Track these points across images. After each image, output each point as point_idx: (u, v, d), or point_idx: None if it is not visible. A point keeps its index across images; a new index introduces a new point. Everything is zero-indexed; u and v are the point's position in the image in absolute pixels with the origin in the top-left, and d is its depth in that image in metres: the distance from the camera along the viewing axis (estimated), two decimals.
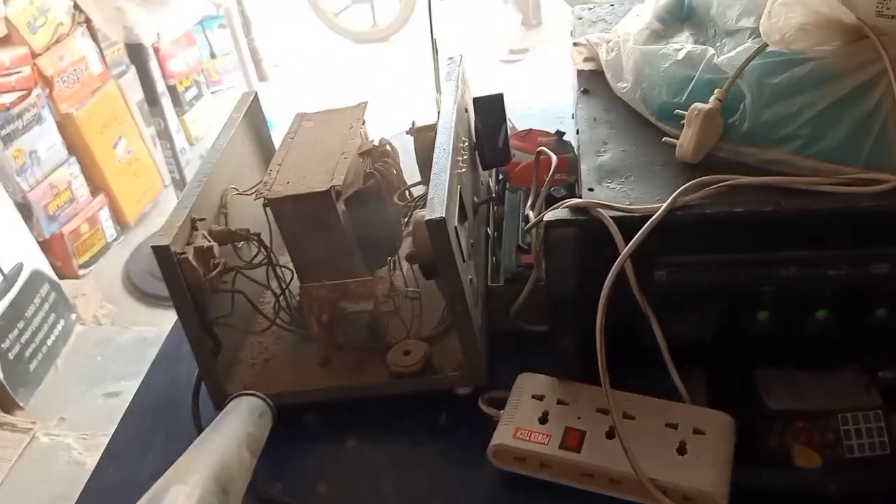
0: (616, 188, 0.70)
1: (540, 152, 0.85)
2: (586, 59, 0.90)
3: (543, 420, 0.70)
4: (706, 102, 0.69)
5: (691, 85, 0.72)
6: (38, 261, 2.27)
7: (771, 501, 0.70)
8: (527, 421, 0.71)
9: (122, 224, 2.74)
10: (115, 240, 2.70)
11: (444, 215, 0.67)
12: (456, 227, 0.71)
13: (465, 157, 0.82)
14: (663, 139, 0.73)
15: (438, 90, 1.06)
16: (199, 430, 0.76)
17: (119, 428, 0.87)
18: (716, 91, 0.69)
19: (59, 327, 2.27)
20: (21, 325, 2.13)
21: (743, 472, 0.67)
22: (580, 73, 0.89)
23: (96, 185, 2.65)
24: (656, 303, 0.68)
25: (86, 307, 2.40)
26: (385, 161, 0.91)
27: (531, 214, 0.80)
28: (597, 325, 0.65)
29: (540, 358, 0.78)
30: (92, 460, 1.58)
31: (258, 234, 0.81)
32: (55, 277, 2.33)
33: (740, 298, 0.67)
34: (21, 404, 2.07)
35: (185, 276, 0.73)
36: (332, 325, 0.82)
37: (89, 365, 2.24)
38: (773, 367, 0.77)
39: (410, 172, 0.94)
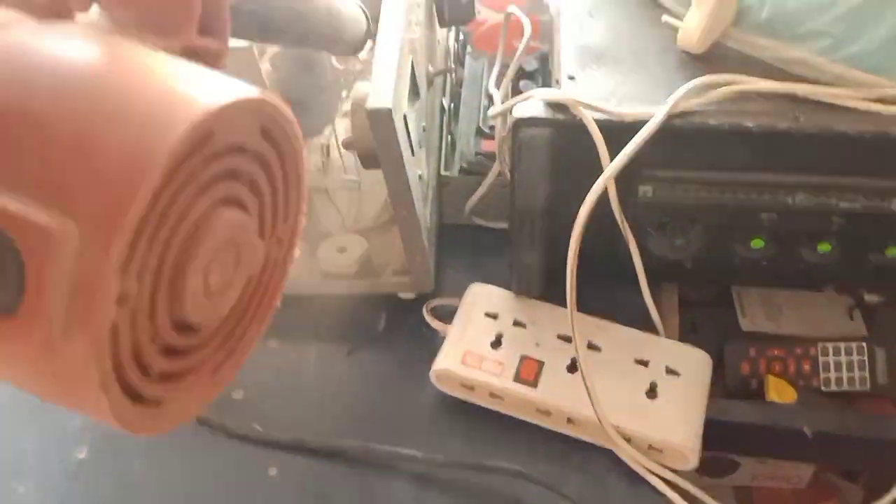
0: (601, 79, 0.58)
1: (510, 14, 0.71)
2: None
3: (497, 343, 0.61)
4: None
5: None
6: None
7: (742, 433, 0.64)
8: (477, 343, 0.61)
9: None
10: None
11: (390, 105, 0.53)
12: (405, 115, 0.58)
13: (419, 19, 0.67)
14: (663, 17, 0.61)
15: None
16: None
17: None
18: None
19: None
20: None
21: (712, 402, 0.60)
22: None
23: None
24: (636, 220, 0.58)
25: None
26: None
27: (496, 94, 0.67)
28: (570, 250, 0.55)
29: (495, 260, 0.68)
30: None
31: None
32: None
33: (735, 224, 0.58)
34: None
35: None
36: None
37: None
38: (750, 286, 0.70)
39: None
